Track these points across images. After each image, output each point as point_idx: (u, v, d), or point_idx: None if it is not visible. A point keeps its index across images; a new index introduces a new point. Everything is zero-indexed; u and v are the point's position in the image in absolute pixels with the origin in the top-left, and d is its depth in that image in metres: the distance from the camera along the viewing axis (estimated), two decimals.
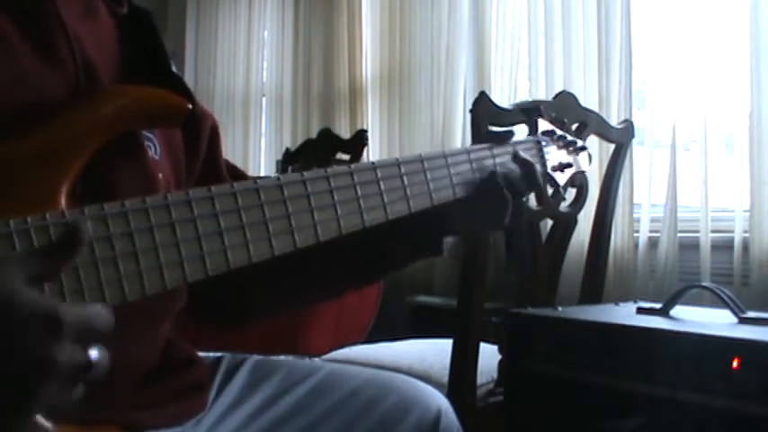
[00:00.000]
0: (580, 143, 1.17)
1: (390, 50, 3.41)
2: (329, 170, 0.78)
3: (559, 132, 1.13)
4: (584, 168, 1.17)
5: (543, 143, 1.09)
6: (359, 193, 0.80)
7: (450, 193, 0.92)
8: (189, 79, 4.04)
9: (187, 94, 0.76)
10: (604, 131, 1.78)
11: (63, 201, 0.66)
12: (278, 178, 0.74)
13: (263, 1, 4.06)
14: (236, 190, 0.70)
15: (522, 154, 1.01)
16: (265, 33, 4.07)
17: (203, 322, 0.99)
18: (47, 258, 0.58)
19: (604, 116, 1.93)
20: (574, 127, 1.67)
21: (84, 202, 0.65)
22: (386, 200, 0.83)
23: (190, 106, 0.75)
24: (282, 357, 1.04)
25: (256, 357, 0.99)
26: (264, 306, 1.02)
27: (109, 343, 0.58)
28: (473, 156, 0.96)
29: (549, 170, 1.09)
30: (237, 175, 0.98)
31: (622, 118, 2.26)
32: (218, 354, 0.99)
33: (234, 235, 0.69)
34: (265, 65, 4.10)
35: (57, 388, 0.55)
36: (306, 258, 0.91)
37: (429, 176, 0.89)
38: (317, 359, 1.80)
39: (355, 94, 3.58)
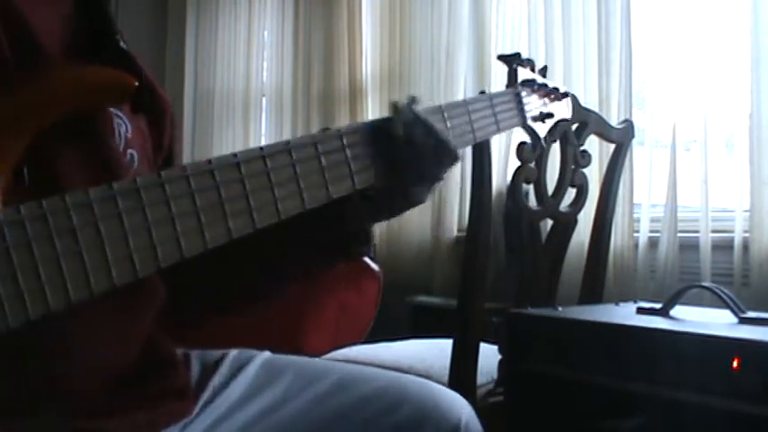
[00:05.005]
0: (563, 89, 1.10)
1: (390, 50, 3.40)
2: (291, 142, 0.74)
3: (540, 80, 1.06)
4: (566, 116, 1.10)
5: (524, 93, 1.02)
6: (323, 163, 0.76)
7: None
8: (189, 79, 4.04)
9: (137, 73, 0.73)
10: (604, 131, 1.78)
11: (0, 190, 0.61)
12: (234, 155, 0.70)
13: (263, 1, 4.05)
14: (188, 173, 0.66)
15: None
16: (265, 33, 4.07)
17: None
18: None
19: (604, 116, 1.92)
20: (574, 127, 1.69)
21: (30, 190, 0.61)
22: (354, 169, 0.79)
23: (136, 84, 0.70)
24: (293, 357, 0.98)
25: (266, 355, 0.96)
26: (206, 304, 0.94)
27: (77, 341, 0.53)
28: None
29: (529, 121, 1.03)
30: None
31: (622, 118, 2.26)
32: (224, 350, 0.96)
33: (186, 220, 0.65)
34: (265, 65, 4.10)
35: None
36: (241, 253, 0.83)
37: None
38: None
39: (355, 94, 3.58)
